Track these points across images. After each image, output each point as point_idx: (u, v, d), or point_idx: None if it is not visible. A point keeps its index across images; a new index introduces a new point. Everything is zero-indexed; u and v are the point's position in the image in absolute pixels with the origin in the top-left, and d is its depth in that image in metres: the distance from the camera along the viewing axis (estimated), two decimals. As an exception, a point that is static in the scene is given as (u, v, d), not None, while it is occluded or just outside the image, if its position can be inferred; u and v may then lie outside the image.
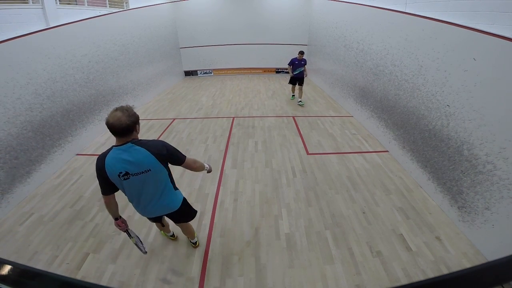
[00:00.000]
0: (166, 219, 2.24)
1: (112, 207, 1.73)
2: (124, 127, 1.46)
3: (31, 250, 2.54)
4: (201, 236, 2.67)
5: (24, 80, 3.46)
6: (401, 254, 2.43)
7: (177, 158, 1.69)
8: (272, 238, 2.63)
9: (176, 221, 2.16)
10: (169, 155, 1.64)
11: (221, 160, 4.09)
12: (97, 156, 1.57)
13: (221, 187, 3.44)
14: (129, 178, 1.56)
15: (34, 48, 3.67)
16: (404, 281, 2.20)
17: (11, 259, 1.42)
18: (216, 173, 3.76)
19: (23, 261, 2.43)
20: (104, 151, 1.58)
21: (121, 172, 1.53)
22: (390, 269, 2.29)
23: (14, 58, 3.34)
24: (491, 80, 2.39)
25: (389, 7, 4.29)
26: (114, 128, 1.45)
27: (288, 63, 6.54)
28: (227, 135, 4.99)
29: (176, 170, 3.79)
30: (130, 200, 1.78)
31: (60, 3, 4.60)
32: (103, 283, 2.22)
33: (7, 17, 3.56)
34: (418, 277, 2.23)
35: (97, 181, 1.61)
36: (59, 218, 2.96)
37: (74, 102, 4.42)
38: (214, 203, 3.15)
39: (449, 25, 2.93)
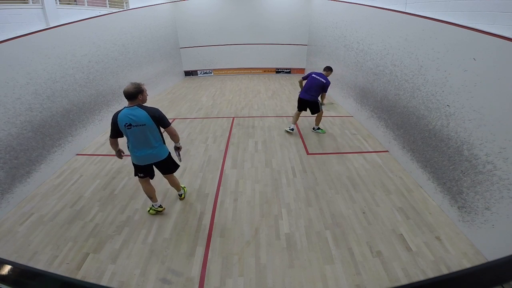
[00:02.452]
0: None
1: (114, 146, 2.56)
2: (130, 93, 2.29)
3: (31, 250, 2.54)
4: (201, 236, 2.68)
5: (24, 80, 3.46)
6: (401, 254, 2.43)
7: (163, 123, 2.46)
8: (272, 238, 2.63)
9: (163, 172, 2.79)
10: (159, 118, 2.41)
11: (221, 160, 4.09)
12: (115, 113, 2.35)
13: (221, 187, 3.44)
14: (131, 128, 2.33)
15: (34, 48, 3.67)
16: (404, 281, 2.20)
17: (11, 259, 1.42)
18: (216, 173, 3.76)
19: (23, 261, 2.42)
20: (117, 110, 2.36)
21: (126, 123, 2.31)
22: (390, 269, 2.29)
23: (14, 58, 3.34)
24: (491, 80, 2.39)
25: (389, 7, 4.29)
26: (125, 93, 2.29)
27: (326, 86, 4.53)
28: (227, 135, 4.99)
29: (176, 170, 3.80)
30: (132, 147, 2.47)
31: (60, 3, 4.60)
32: (103, 283, 2.22)
33: (7, 17, 3.56)
34: (418, 277, 2.23)
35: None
36: (59, 218, 2.96)
37: (74, 102, 4.42)
38: (214, 203, 3.15)
39: (449, 25, 2.93)
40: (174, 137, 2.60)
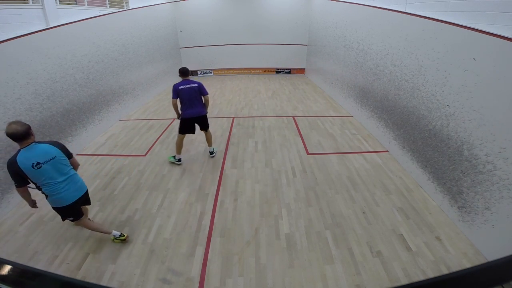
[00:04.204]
0: None
1: (26, 194, 2.22)
2: (21, 133, 1.95)
3: (31, 250, 2.54)
4: (201, 236, 2.68)
5: (24, 80, 3.46)
6: (401, 254, 2.43)
7: (68, 152, 2.29)
8: (272, 238, 2.63)
9: (84, 204, 2.52)
10: (63, 147, 2.25)
11: (221, 160, 4.09)
12: (8, 162, 1.99)
13: (221, 187, 3.44)
14: (41, 167, 2.04)
15: (34, 48, 3.67)
16: (404, 281, 2.20)
17: (11, 259, 1.42)
18: (216, 173, 3.76)
19: (23, 261, 2.43)
20: (13, 155, 2.00)
21: (33, 163, 1.99)
22: (390, 269, 2.29)
23: (14, 58, 3.34)
24: (491, 80, 2.39)
25: (389, 7, 4.29)
26: (14, 135, 1.94)
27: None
28: (227, 135, 4.99)
29: (176, 171, 3.81)
30: (54, 189, 2.16)
31: (60, 3, 4.60)
32: (103, 283, 2.22)
33: (7, 17, 3.56)
34: (418, 277, 2.23)
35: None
36: (59, 218, 2.93)
37: (74, 102, 4.42)
38: (214, 203, 3.15)
39: (449, 25, 2.93)
40: (76, 168, 2.43)
